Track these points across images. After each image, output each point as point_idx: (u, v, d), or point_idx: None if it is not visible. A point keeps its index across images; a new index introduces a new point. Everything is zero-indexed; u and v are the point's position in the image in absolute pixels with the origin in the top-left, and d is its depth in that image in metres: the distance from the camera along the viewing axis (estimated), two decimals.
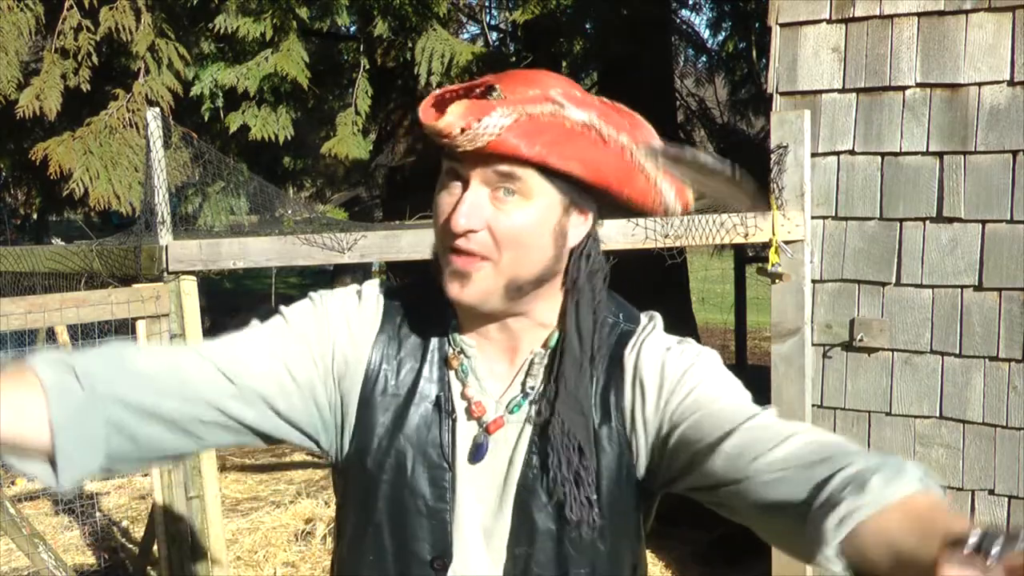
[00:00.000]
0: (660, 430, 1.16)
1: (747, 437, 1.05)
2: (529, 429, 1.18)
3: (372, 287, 1.26)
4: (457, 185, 1.11)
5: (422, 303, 1.22)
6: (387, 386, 1.19)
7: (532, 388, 1.19)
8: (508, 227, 1.10)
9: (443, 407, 1.18)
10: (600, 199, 1.15)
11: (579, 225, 1.16)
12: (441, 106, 1.09)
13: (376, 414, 1.18)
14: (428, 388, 1.19)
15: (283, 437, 1.20)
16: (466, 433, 1.19)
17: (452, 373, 1.20)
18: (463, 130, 1.05)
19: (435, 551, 1.17)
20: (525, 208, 1.10)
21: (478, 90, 1.09)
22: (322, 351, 1.19)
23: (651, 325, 1.24)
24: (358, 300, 1.23)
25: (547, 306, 1.19)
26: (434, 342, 1.21)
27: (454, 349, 1.20)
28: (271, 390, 1.15)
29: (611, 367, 1.19)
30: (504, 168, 1.08)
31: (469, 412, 1.19)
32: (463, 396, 1.20)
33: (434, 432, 1.18)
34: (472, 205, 1.09)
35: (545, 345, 1.20)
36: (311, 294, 1.25)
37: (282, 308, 1.23)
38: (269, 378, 1.15)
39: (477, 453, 1.18)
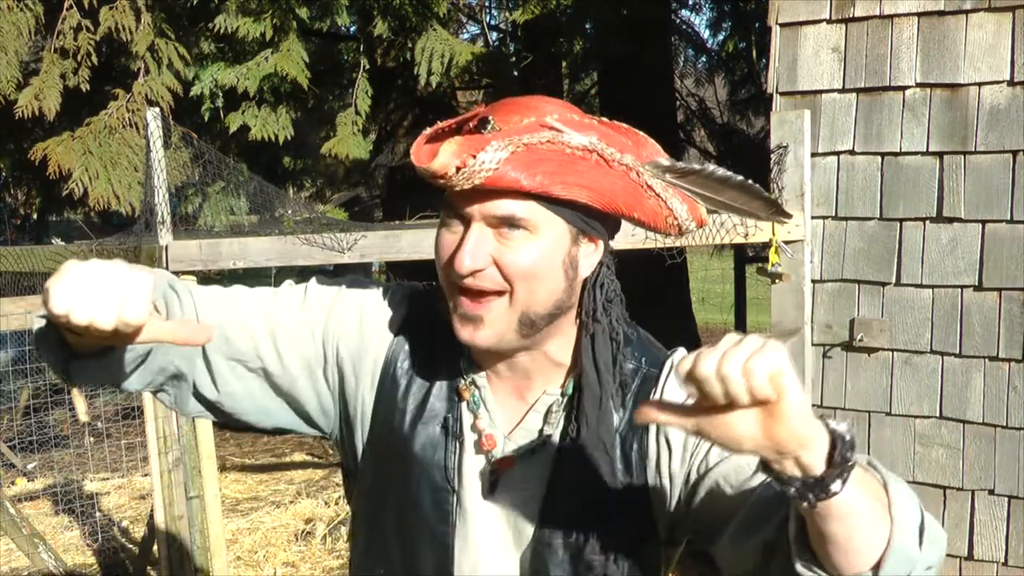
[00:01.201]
0: (688, 481, 1.12)
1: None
2: (547, 475, 1.14)
3: (406, 289, 1.24)
4: (458, 223, 1.07)
5: (439, 321, 1.17)
6: (398, 397, 1.18)
7: (548, 435, 1.15)
8: (515, 263, 1.06)
9: (450, 429, 1.16)
10: (609, 224, 1.11)
11: (590, 254, 1.11)
12: (435, 142, 1.06)
13: (388, 425, 1.18)
14: (437, 408, 1.17)
15: (292, 405, 1.22)
16: (474, 465, 1.17)
17: (463, 403, 1.17)
18: (458, 169, 1.01)
19: (436, 572, 1.16)
20: (532, 242, 1.06)
21: (471, 124, 1.06)
22: (325, 336, 1.20)
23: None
24: (382, 298, 1.22)
25: (561, 342, 1.15)
26: (444, 364, 1.18)
27: (465, 380, 1.17)
28: (267, 355, 1.18)
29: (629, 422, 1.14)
30: (505, 203, 1.04)
31: (479, 445, 1.16)
32: (474, 428, 1.17)
33: (439, 454, 1.16)
34: (476, 244, 1.05)
35: (563, 391, 1.16)
36: (344, 283, 1.24)
37: (312, 283, 1.23)
38: (265, 344, 1.18)
39: (492, 488, 1.15)
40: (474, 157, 1.01)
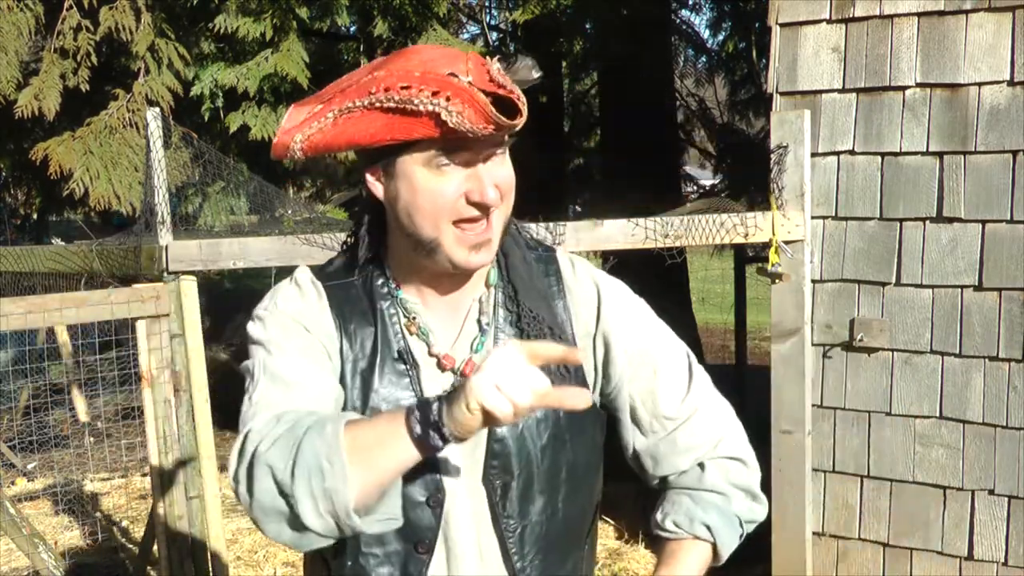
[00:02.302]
0: (596, 349, 1.32)
1: (670, 446, 1.33)
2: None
3: (304, 274, 1.32)
4: (451, 171, 1.18)
5: (355, 277, 1.30)
6: (352, 356, 1.25)
7: (487, 323, 1.29)
8: (507, 179, 1.21)
9: (407, 360, 1.25)
10: None
11: None
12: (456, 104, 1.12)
13: (348, 381, 1.25)
14: (388, 349, 1.26)
15: None
16: (442, 384, 1.26)
17: (412, 336, 1.28)
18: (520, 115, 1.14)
19: (428, 491, 1.23)
20: (506, 155, 1.22)
21: (457, 78, 1.14)
22: (321, 342, 1.26)
23: (568, 256, 1.36)
24: (301, 293, 1.29)
25: None
26: (382, 310, 1.28)
27: (408, 316, 1.28)
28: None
29: (549, 283, 1.32)
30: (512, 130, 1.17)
31: (441, 367, 1.28)
32: (431, 354, 1.28)
33: (404, 383, 1.25)
34: (490, 177, 1.18)
35: (487, 285, 1.31)
36: (258, 313, 1.29)
37: (259, 344, 1.26)
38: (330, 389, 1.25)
39: None
40: (522, 99, 1.14)
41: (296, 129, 1.20)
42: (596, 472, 1.37)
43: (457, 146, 1.15)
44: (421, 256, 1.23)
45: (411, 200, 1.19)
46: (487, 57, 1.20)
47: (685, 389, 1.33)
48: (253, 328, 1.28)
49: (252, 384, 1.23)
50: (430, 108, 1.11)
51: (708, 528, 1.32)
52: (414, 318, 1.28)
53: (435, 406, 1.07)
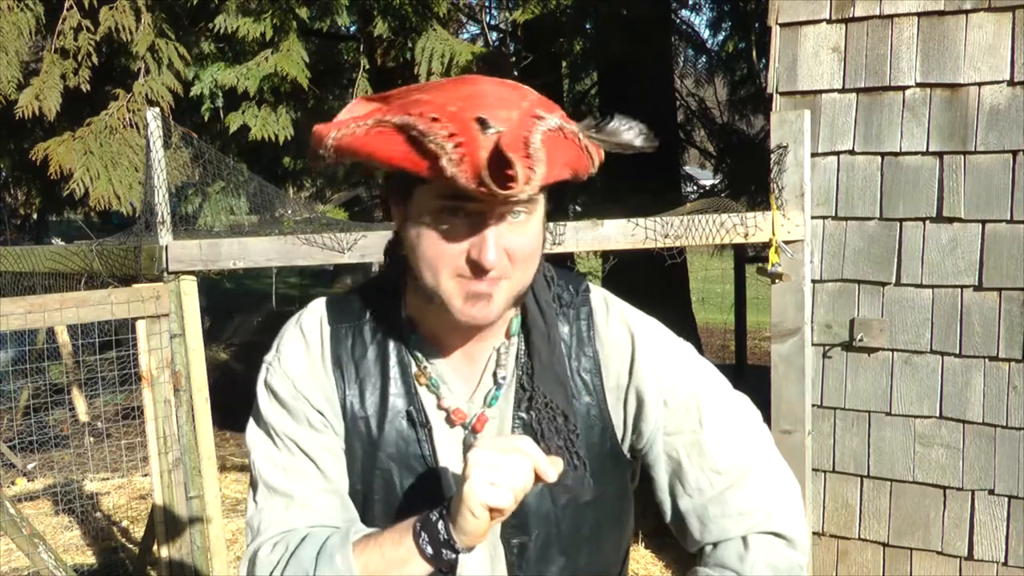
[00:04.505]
0: (628, 403, 1.23)
1: (709, 512, 1.23)
2: (508, 422, 1.20)
3: (313, 316, 1.25)
4: (459, 221, 1.08)
5: (372, 319, 1.23)
6: (355, 411, 1.20)
7: (504, 378, 1.21)
8: (522, 247, 1.11)
9: (416, 420, 1.19)
10: None
11: None
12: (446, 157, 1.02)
13: (353, 439, 1.20)
14: (398, 403, 1.20)
15: None
16: (452, 440, 1.20)
17: (421, 388, 1.21)
18: (528, 182, 1.02)
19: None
20: (531, 223, 1.11)
21: (483, 129, 1.02)
22: (321, 413, 1.21)
23: (603, 298, 1.27)
24: (305, 345, 1.23)
25: None
26: (393, 357, 1.21)
27: (419, 364, 1.21)
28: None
29: (580, 343, 1.23)
30: (531, 197, 1.06)
31: (451, 421, 1.21)
32: (440, 407, 1.21)
33: (413, 445, 1.19)
34: (497, 239, 1.08)
35: (507, 335, 1.22)
36: (262, 380, 1.24)
37: (263, 424, 1.23)
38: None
39: None
40: (533, 171, 1.01)
41: (342, 124, 1.11)
42: (625, 523, 1.29)
43: (469, 196, 1.05)
44: (429, 299, 1.15)
45: (416, 243, 1.12)
46: (566, 117, 1.07)
47: (738, 440, 1.23)
48: (260, 394, 1.24)
49: (257, 481, 1.22)
50: (434, 148, 1.02)
51: None
52: (425, 368, 1.21)
53: (440, 525, 1.05)
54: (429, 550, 1.06)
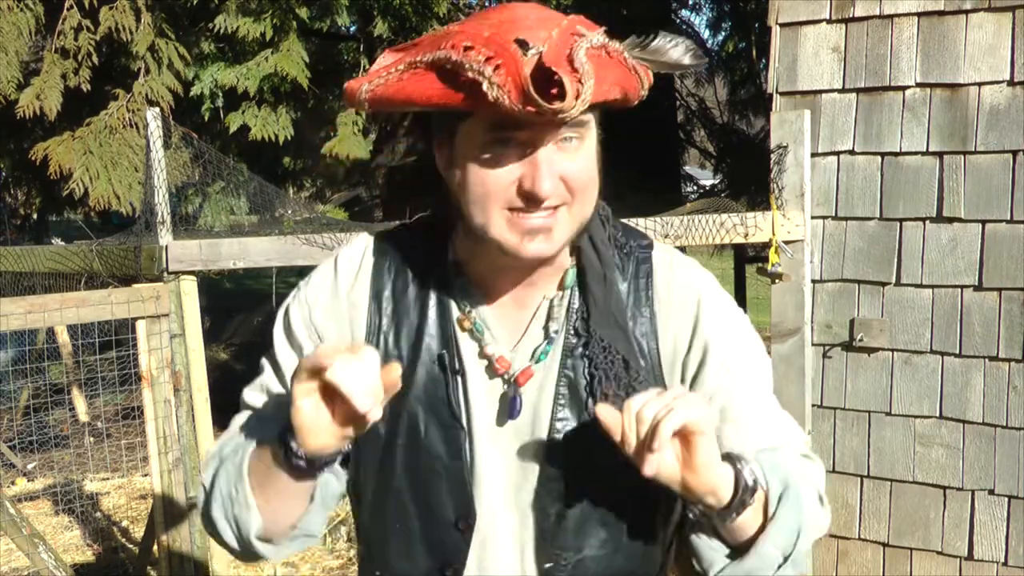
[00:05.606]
0: (687, 369, 1.16)
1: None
2: (553, 379, 1.14)
3: (355, 249, 1.21)
4: (508, 151, 1.03)
5: (416, 257, 1.17)
6: (388, 348, 1.15)
7: (556, 331, 1.14)
8: (577, 173, 1.04)
9: (448, 365, 1.13)
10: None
11: None
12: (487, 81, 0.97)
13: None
14: (432, 346, 1.14)
15: None
16: (491, 391, 1.14)
17: (464, 333, 1.15)
18: (577, 96, 0.96)
19: (457, 512, 1.14)
20: (584, 148, 1.06)
21: (523, 50, 0.97)
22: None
23: (667, 258, 1.20)
24: (334, 276, 1.19)
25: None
26: (433, 299, 1.16)
27: (463, 309, 1.15)
28: None
29: (636, 303, 1.16)
30: (582, 119, 1.02)
31: (493, 370, 1.14)
32: (482, 355, 1.15)
33: (441, 391, 1.13)
34: (550, 165, 1.02)
35: (561, 286, 1.15)
36: (286, 303, 1.23)
37: (270, 348, 1.23)
38: None
39: (512, 409, 1.13)
40: (582, 83, 0.95)
41: (373, 75, 1.05)
42: (671, 501, 1.17)
43: (516, 123, 0.99)
44: (479, 240, 1.08)
45: (462, 179, 1.06)
46: (610, 35, 1.03)
47: (773, 422, 1.18)
48: (279, 317, 1.22)
49: (249, 393, 1.24)
50: (472, 76, 0.96)
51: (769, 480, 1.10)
52: (469, 311, 1.14)
53: (288, 432, 1.03)
54: (281, 452, 1.05)
